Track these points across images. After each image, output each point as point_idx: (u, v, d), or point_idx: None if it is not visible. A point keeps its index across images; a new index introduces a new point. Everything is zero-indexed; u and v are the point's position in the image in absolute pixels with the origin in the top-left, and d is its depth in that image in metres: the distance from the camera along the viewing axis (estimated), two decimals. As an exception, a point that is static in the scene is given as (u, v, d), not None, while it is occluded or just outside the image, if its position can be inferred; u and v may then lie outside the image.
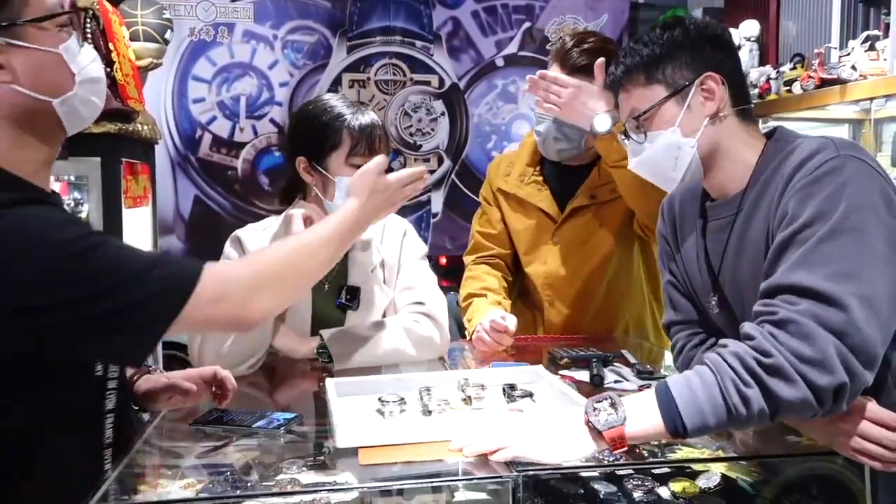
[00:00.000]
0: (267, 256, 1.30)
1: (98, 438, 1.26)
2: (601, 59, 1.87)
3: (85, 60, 1.22)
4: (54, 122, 1.20)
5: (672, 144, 1.33)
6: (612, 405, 1.11)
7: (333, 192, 1.74)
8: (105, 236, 1.14)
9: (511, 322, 1.94)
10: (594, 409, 1.11)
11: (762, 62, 4.64)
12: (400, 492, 1.15)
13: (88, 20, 1.25)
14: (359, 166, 1.72)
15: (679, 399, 1.09)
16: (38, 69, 1.16)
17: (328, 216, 1.42)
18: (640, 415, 1.10)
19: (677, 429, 1.08)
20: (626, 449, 1.10)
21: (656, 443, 1.19)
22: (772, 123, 3.34)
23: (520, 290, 2.28)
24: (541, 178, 2.17)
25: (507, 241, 2.26)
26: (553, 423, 1.17)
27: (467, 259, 2.32)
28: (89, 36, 1.27)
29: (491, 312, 2.00)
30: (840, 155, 1.17)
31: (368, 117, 1.76)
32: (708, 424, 1.08)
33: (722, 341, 1.19)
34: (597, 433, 1.10)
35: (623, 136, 1.42)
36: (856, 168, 1.16)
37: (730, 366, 1.08)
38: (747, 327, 1.13)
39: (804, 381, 1.04)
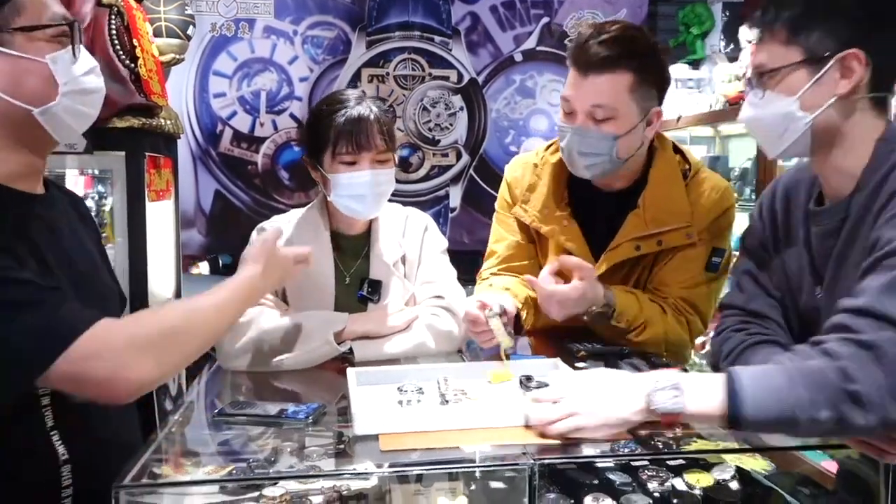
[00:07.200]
0: (157, 319, 1.23)
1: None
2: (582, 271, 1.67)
3: (78, 71, 1.23)
4: (38, 129, 1.21)
5: (787, 115, 1.22)
6: (675, 387, 1.13)
7: (331, 189, 1.77)
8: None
9: (508, 303, 1.70)
10: (657, 387, 1.14)
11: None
12: (418, 478, 1.17)
13: (80, 31, 1.23)
14: (349, 163, 1.74)
15: (752, 400, 1.07)
16: (21, 77, 1.17)
17: (226, 281, 1.34)
18: (700, 398, 1.11)
19: (734, 423, 1.09)
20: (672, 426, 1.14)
21: (671, 434, 1.21)
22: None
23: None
24: (568, 212, 1.86)
25: (532, 254, 1.96)
26: (612, 389, 1.18)
27: (483, 274, 2.00)
28: (79, 47, 1.24)
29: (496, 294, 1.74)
30: None
31: (357, 111, 1.72)
32: (768, 427, 1.09)
33: (798, 348, 1.13)
34: (652, 408, 1.13)
35: (747, 85, 1.30)
36: None
37: (816, 382, 1.05)
38: (832, 344, 1.07)
39: (881, 412, 1.02)
